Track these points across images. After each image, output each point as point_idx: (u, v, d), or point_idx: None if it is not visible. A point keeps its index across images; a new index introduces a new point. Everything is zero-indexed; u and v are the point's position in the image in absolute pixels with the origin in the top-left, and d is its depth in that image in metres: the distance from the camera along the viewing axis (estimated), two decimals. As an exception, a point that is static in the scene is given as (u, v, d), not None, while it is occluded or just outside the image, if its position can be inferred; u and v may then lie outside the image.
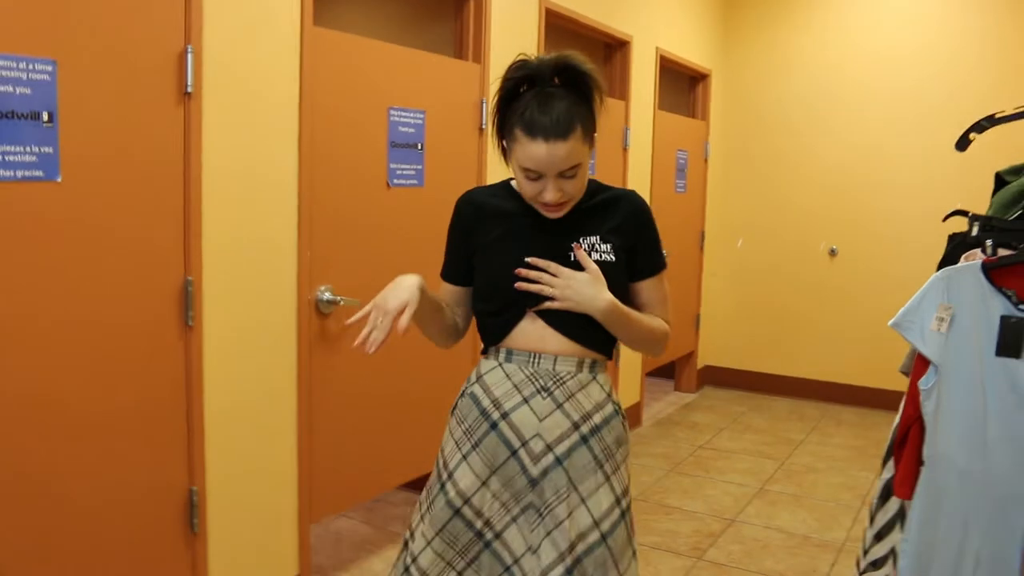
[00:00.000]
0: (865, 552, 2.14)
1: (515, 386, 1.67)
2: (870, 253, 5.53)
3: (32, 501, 1.98)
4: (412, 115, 3.08)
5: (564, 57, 1.58)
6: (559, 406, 1.65)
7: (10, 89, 1.85)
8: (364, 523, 3.54)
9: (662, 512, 3.73)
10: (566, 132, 1.53)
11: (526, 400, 1.65)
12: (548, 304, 1.63)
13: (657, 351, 1.79)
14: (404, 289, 1.58)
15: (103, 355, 2.11)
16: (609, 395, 1.72)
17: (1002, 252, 1.82)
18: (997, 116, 1.94)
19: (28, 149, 1.89)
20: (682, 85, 5.77)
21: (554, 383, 1.66)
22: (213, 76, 2.32)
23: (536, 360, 1.66)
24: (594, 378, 1.70)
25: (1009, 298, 1.77)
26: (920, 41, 5.30)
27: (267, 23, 2.49)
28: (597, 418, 1.68)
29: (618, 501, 1.66)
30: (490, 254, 1.71)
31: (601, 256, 1.66)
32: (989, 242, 1.81)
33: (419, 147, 3.13)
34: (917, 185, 5.32)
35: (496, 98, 1.64)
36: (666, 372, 6.08)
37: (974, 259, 1.87)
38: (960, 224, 1.97)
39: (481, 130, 3.45)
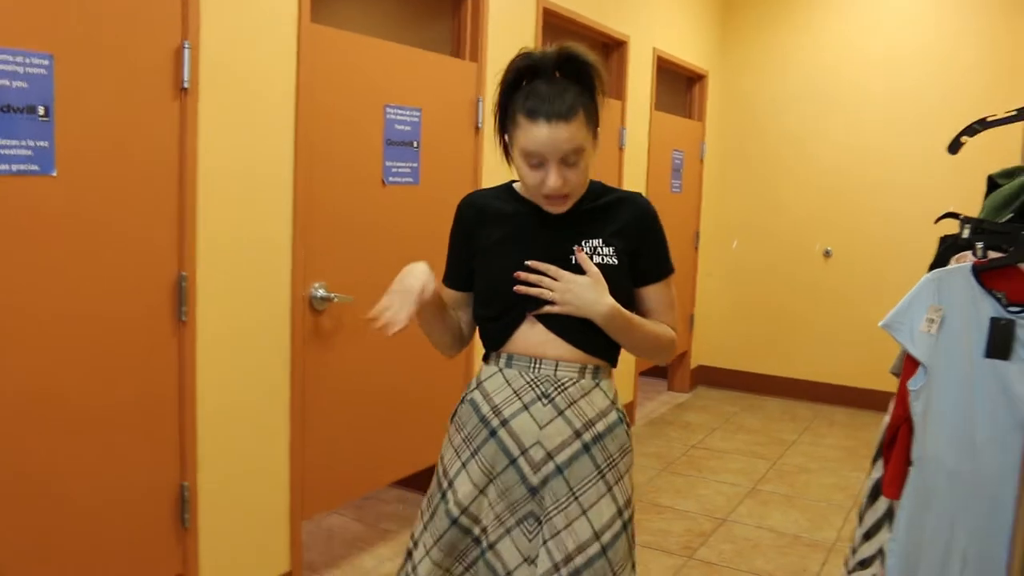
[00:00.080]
0: (853, 551, 2.16)
1: (515, 392, 1.63)
2: (865, 255, 5.55)
3: (23, 495, 1.98)
4: (408, 113, 3.09)
5: (567, 48, 1.55)
6: (560, 413, 1.61)
7: (6, 83, 1.85)
8: (356, 520, 3.55)
9: (654, 511, 3.73)
10: (568, 115, 1.50)
11: (526, 407, 1.62)
12: (548, 308, 1.60)
13: (662, 358, 1.76)
14: (420, 271, 1.58)
15: (96, 350, 2.11)
16: (613, 402, 1.68)
17: (992, 254, 1.83)
18: (988, 120, 1.95)
19: (24, 143, 1.90)
20: (679, 85, 5.78)
21: (555, 389, 1.62)
22: (210, 72, 2.32)
23: (537, 365, 1.63)
24: (597, 384, 1.66)
25: (999, 300, 1.78)
26: (916, 44, 5.32)
27: (264, 20, 2.49)
28: (600, 426, 1.63)
29: (620, 512, 1.62)
30: (490, 257, 1.67)
31: (603, 259, 1.62)
32: (980, 244, 1.82)
33: (415, 145, 3.14)
34: (912, 187, 5.34)
35: (498, 91, 1.60)
36: (659, 372, 6.10)
37: (965, 261, 1.89)
38: (952, 226, 1.98)
39: (477, 129, 3.46)
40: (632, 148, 4.78)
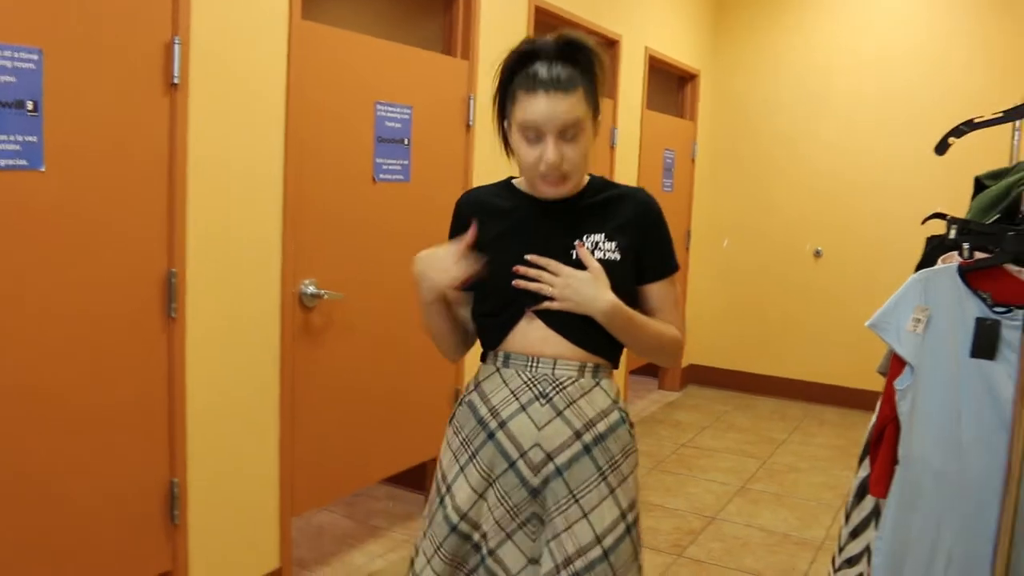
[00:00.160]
0: (840, 549, 2.17)
1: (512, 392, 1.59)
2: (855, 255, 5.57)
3: (11, 491, 1.97)
4: (399, 110, 3.09)
5: (567, 34, 1.53)
6: (559, 413, 1.56)
7: (-6, 77, 1.85)
8: (345, 517, 3.55)
9: (643, 509, 3.73)
10: (567, 87, 1.48)
11: (524, 407, 1.57)
12: (547, 304, 1.56)
13: (668, 360, 1.70)
14: (439, 247, 1.59)
15: (85, 346, 2.11)
16: (615, 402, 1.63)
17: (979, 255, 1.84)
18: (976, 121, 1.96)
19: (12, 138, 1.89)
20: (671, 85, 5.79)
21: (553, 388, 1.57)
22: (200, 68, 2.32)
23: (534, 364, 1.58)
24: (597, 383, 1.61)
25: (984, 300, 1.79)
26: (908, 44, 5.33)
27: (255, 16, 2.49)
28: (601, 426, 1.58)
29: (623, 515, 1.58)
30: (489, 252, 1.62)
31: (605, 255, 1.58)
32: (966, 245, 1.83)
33: (405, 142, 3.14)
34: (903, 188, 5.36)
35: (498, 75, 1.57)
36: (650, 370, 6.11)
37: (951, 262, 1.90)
38: (939, 227, 1.99)
39: (468, 126, 3.46)
40: (624, 147, 4.79)
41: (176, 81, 2.24)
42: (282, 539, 2.77)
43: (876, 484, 1.96)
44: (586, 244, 1.58)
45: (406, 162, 3.15)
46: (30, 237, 1.96)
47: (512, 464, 1.57)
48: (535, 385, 1.58)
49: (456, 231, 1.69)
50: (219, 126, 2.41)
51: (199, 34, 2.30)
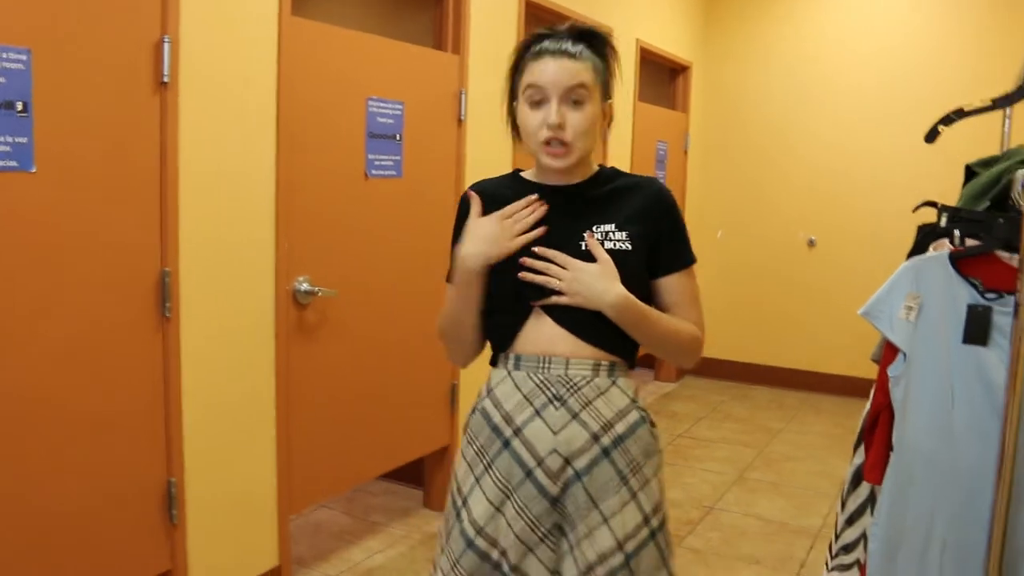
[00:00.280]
0: (837, 536, 2.18)
1: (525, 397, 1.52)
2: (848, 244, 5.59)
3: (8, 493, 1.97)
4: (391, 106, 3.08)
5: (579, 23, 1.54)
6: (575, 416, 1.49)
7: (-17, 79, 1.84)
8: (344, 514, 3.55)
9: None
10: (575, 55, 1.47)
11: (538, 412, 1.50)
12: (555, 299, 1.49)
13: (686, 359, 1.61)
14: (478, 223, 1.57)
15: (79, 347, 2.10)
16: (634, 401, 1.56)
17: (970, 242, 1.85)
18: (966, 109, 1.96)
19: (2, 139, 1.88)
20: (662, 77, 5.79)
21: (567, 390, 1.50)
22: (190, 66, 2.31)
23: (546, 365, 1.51)
24: (614, 382, 1.54)
25: (975, 287, 1.80)
26: (900, 35, 5.34)
27: (245, 13, 2.48)
28: (620, 427, 1.51)
29: (646, 520, 1.51)
30: None
31: (616, 245, 1.51)
32: (957, 232, 1.84)
33: (397, 138, 3.14)
34: (895, 178, 5.37)
35: (512, 58, 1.56)
36: (646, 361, 6.12)
37: (943, 249, 1.90)
38: (930, 215, 2.00)
39: (460, 121, 3.45)
40: (615, 139, 4.79)
41: (166, 80, 2.24)
42: (281, 536, 2.78)
43: (871, 471, 1.97)
44: (596, 234, 1.52)
45: (398, 158, 3.15)
46: (22, 239, 1.96)
47: (529, 473, 1.50)
48: (548, 388, 1.51)
49: (462, 224, 1.63)
50: (210, 124, 2.40)
51: (189, 32, 2.29)
